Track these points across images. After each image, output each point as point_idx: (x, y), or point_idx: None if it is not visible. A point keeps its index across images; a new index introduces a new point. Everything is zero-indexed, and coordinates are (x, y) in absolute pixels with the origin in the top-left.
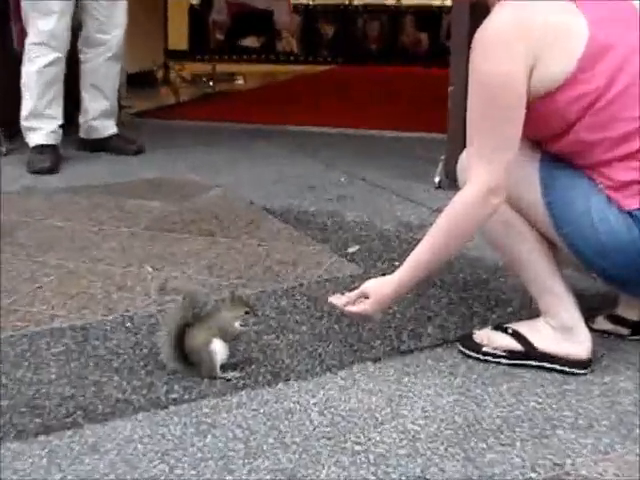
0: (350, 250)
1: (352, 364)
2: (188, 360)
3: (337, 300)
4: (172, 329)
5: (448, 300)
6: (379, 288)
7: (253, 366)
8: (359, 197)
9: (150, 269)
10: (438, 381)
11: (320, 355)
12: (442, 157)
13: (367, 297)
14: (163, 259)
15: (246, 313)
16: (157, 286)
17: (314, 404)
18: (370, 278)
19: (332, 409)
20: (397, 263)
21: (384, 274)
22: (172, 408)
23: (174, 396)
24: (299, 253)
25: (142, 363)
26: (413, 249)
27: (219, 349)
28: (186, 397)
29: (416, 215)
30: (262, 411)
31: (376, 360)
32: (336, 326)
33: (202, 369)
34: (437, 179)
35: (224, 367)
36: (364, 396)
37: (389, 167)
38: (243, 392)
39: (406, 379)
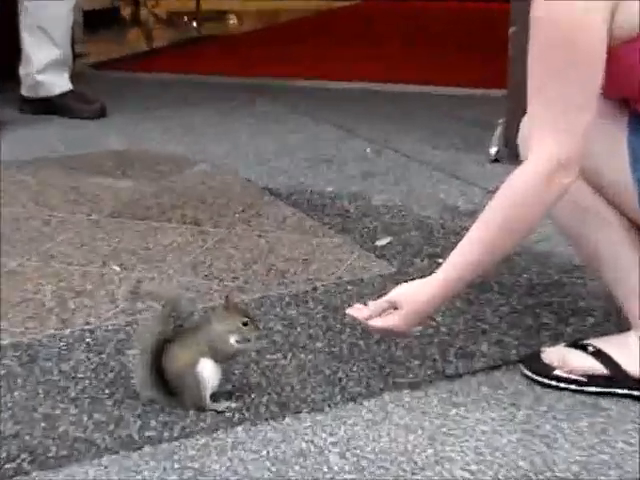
0: (379, 243)
1: (382, 392)
2: (168, 387)
3: (358, 312)
4: (147, 346)
5: (509, 309)
6: (415, 295)
7: (253, 394)
8: (390, 174)
9: (118, 268)
10: (496, 414)
11: (340, 380)
12: (500, 121)
13: (398, 307)
14: (135, 255)
15: (244, 325)
16: (127, 290)
17: (333, 444)
18: (404, 281)
19: (357, 451)
20: (440, 260)
21: (422, 276)
22: (147, 449)
23: (150, 434)
24: (312, 247)
25: (108, 391)
26: (460, 242)
27: (209, 372)
28: (166, 435)
29: (466, 198)
30: (265, 453)
31: (414, 387)
32: (361, 342)
33: (187, 398)
34: (493, 150)
35: (215, 396)
36: (398, 433)
37: (429, 134)
38: (240, 428)
39: (453, 411)
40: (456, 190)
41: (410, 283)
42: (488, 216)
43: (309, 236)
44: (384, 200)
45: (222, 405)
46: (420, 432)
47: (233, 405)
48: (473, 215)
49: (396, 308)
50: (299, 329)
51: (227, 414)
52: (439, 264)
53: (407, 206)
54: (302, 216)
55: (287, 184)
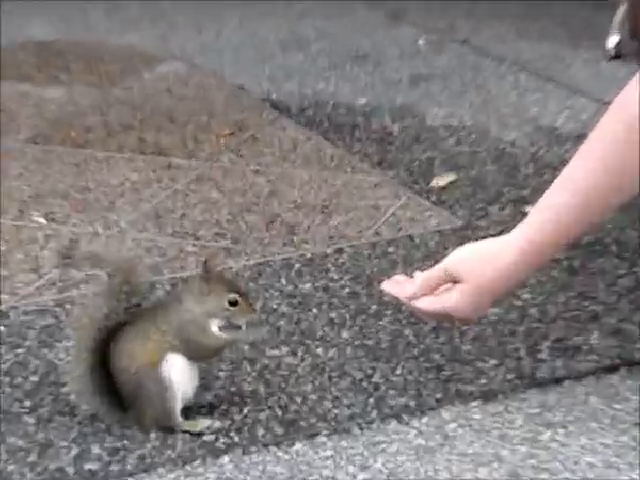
0: (437, 183)
1: (439, 406)
2: (119, 397)
3: (400, 288)
4: (87, 337)
5: (631, 281)
6: (486, 262)
7: (246, 409)
8: (454, 77)
9: (42, 220)
10: (610, 440)
11: (377, 388)
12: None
13: (459, 281)
14: (67, 200)
15: (232, 305)
16: (56, 253)
17: None
18: (472, 240)
19: None
20: (528, 209)
21: (501, 232)
22: None
23: (91, 467)
24: (336, 189)
25: (28, 404)
26: (554, 182)
27: (180, 375)
28: (114, 469)
29: (569, 113)
30: None
31: (487, 398)
32: (408, 332)
33: (146, 414)
34: (612, 42)
35: (190, 411)
36: (462, 467)
37: (513, 18)
38: (227, 458)
39: (547, 435)
40: (555, 102)
41: (479, 244)
42: (594, 145)
43: (331, 171)
44: (444, 117)
45: (200, 424)
46: (496, 465)
47: (216, 424)
48: (578, 140)
49: (456, 282)
50: (315, 311)
51: (207, 437)
52: (526, 214)
53: (479, 126)
54: (321, 141)
55: (298, 93)
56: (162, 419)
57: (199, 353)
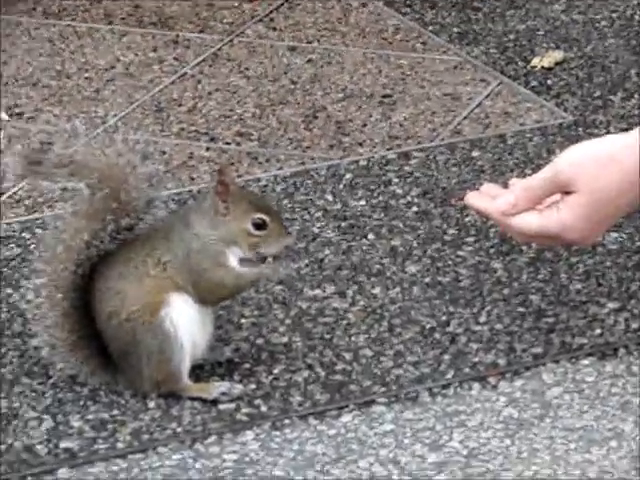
0: (540, 63)
1: (542, 363)
2: (104, 351)
3: (485, 201)
4: (60, 270)
5: None
6: (603, 166)
7: (277, 370)
8: None
9: (3, 114)
10: None
11: (454, 341)
12: None
13: (572, 190)
14: (39, 88)
15: (257, 228)
16: (23, 158)
17: (436, 466)
18: (590, 138)
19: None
20: None
21: (626, 129)
22: (64, 472)
23: (72, 445)
24: (402, 71)
25: None
26: None
27: (189, 324)
28: (102, 445)
29: None
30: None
31: (604, 353)
32: (497, 264)
33: (145, 374)
34: None
35: (203, 371)
36: (575, 443)
37: None
38: (250, 434)
39: None
40: None
41: (596, 143)
42: None
43: (395, 49)
44: None
45: (214, 389)
46: (614, 444)
47: (236, 389)
48: None
49: (567, 192)
50: (371, 237)
51: (223, 406)
52: None
53: None
54: (380, 8)
55: None
56: (164, 382)
57: (212, 293)
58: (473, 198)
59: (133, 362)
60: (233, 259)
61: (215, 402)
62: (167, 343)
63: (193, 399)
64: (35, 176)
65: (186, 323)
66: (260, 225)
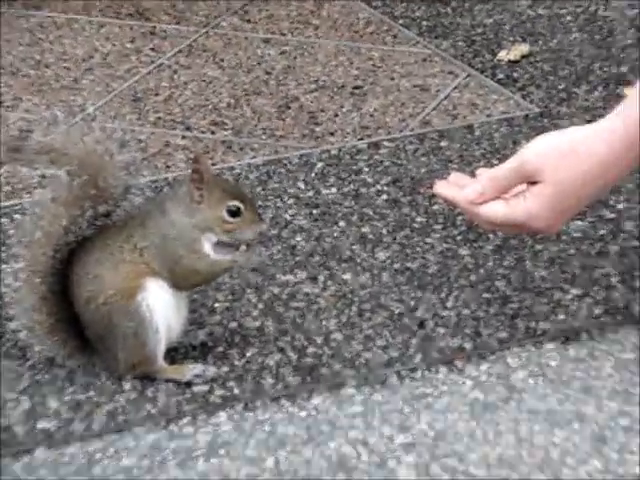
0: (505, 56)
1: (506, 348)
2: (81, 334)
3: (453, 190)
4: (42, 257)
5: None
6: (567, 157)
7: (250, 352)
8: None
9: None
10: None
11: (422, 326)
12: None
13: (537, 180)
14: (19, 77)
15: (232, 215)
16: (2, 145)
17: (404, 446)
18: (555, 129)
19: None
20: (625, 91)
21: (590, 121)
22: (40, 453)
23: (49, 425)
24: (373, 63)
25: None
26: None
27: (164, 309)
28: (79, 428)
29: None
30: (271, 463)
31: (568, 338)
32: (464, 251)
33: (121, 357)
34: None
35: (177, 354)
36: (539, 425)
37: None
38: (224, 415)
39: None
40: None
41: (561, 135)
42: None
43: (366, 41)
44: None
45: (188, 371)
46: (577, 426)
47: (210, 371)
48: None
49: (533, 182)
50: (342, 224)
51: (197, 388)
52: (623, 98)
53: None
54: (352, 1)
55: None
56: (139, 364)
57: (187, 279)
58: (441, 187)
59: (109, 345)
60: (208, 246)
61: (189, 384)
62: (143, 327)
63: (168, 381)
64: (15, 162)
65: (161, 308)
66: (234, 212)
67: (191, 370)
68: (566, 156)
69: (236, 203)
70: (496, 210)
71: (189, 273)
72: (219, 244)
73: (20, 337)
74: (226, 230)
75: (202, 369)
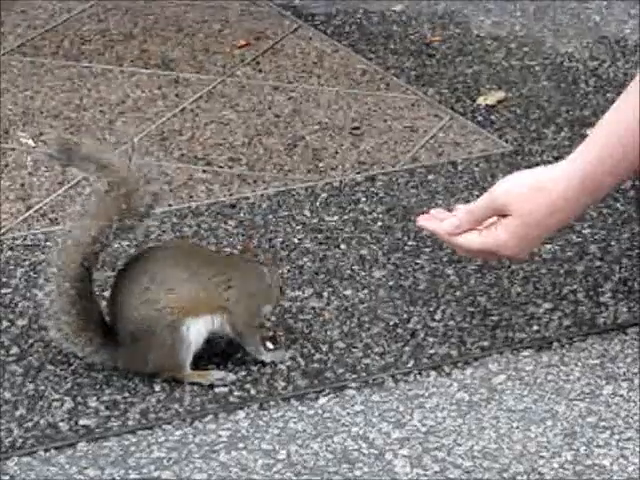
0: (484, 102)
1: (488, 355)
2: (116, 333)
3: (434, 223)
4: (71, 263)
5: None
6: (534, 193)
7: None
8: None
9: (30, 141)
10: None
11: (414, 334)
12: None
13: (507, 213)
14: (59, 119)
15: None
16: (57, 140)
17: (399, 441)
18: (527, 165)
19: (437, 452)
20: (588, 131)
21: (557, 158)
22: (82, 447)
23: (89, 422)
24: (368, 108)
25: (16, 350)
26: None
27: (203, 333)
28: (115, 425)
29: (639, 21)
30: (284, 456)
31: (541, 346)
32: (450, 270)
33: (152, 360)
34: None
35: (202, 360)
36: (517, 422)
37: None
38: (242, 413)
39: (619, 386)
40: (620, 8)
41: (529, 173)
42: None
43: (362, 88)
44: (493, 26)
45: (211, 376)
46: (550, 423)
47: (230, 377)
48: None
49: (503, 215)
50: (343, 247)
51: (219, 390)
52: (586, 138)
53: (533, 37)
54: (350, 54)
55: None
56: (168, 369)
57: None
58: (424, 220)
59: (142, 347)
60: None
61: (211, 386)
62: (180, 344)
63: (192, 384)
64: (63, 162)
65: (202, 334)
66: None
67: (213, 375)
68: (532, 192)
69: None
70: (471, 240)
71: (242, 325)
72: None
73: (52, 337)
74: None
75: (223, 375)
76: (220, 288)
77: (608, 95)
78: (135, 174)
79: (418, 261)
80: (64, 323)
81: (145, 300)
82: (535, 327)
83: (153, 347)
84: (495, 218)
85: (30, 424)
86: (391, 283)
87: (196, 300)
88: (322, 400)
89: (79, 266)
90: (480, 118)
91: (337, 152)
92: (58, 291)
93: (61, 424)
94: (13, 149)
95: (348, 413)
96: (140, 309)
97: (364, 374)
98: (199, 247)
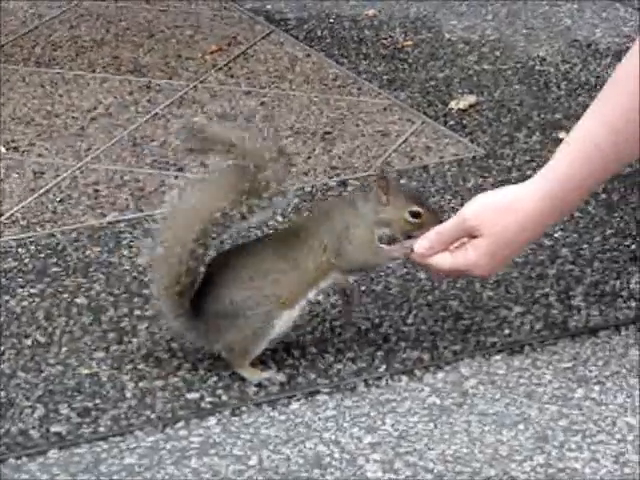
0: (456, 106)
1: (459, 359)
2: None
3: (398, 248)
4: (184, 235)
5: None
6: (503, 214)
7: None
8: None
9: (2, 148)
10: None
11: (386, 339)
12: None
13: (477, 235)
14: (31, 125)
15: (414, 216)
16: (185, 129)
17: (371, 446)
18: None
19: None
20: (562, 136)
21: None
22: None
23: (61, 429)
24: (340, 112)
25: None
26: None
27: (283, 329)
28: (86, 431)
29: (609, 25)
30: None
31: (513, 350)
32: (422, 274)
33: (227, 336)
34: None
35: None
36: (489, 426)
37: None
38: (213, 419)
39: (590, 389)
40: (591, 12)
41: (496, 194)
42: (631, 70)
43: (334, 93)
44: (464, 30)
45: (260, 375)
46: (522, 427)
47: (279, 377)
48: (617, 56)
49: (473, 236)
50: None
51: (190, 396)
52: (558, 141)
53: (505, 41)
54: (322, 59)
55: (296, 3)
56: (237, 354)
57: (352, 263)
58: (394, 248)
59: (223, 326)
60: (377, 238)
61: (259, 385)
62: (263, 332)
63: (234, 374)
64: (192, 148)
65: (287, 327)
66: (416, 214)
67: (262, 375)
68: (500, 213)
69: (417, 208)
70: (442, 261)
71: (357, 258)
72: (383, 240)
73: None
74: (403, 229)
75: (272, 374)
76: (320, 257)
77: (580, 99)
78: (264, 152)
79: (390, 265)
80: (163, 288)
81: (248, 285)
82: (507, 331)
83: (235, 328)
84: (465, 238)
85: (1, 431)
86: (363, 288)
87: (289, 289)
88: (294, 405)
89: (191, 242)
90: (452, 122)
91: (309, 157)
92: (165, 259)
93: (32, 431)
94: None
95: (320, 418)
96: (239, 290)
97: (336, 379)
98: (283, 232)
